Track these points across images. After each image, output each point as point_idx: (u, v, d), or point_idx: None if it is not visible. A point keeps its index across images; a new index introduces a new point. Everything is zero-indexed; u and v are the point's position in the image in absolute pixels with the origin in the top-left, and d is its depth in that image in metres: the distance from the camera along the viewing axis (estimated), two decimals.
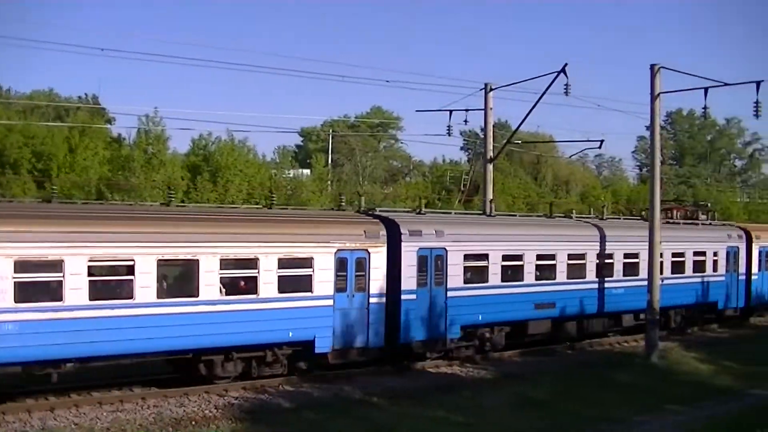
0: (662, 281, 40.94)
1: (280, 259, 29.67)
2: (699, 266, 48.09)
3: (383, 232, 32.64)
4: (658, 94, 38.98)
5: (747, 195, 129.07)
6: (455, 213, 43.63)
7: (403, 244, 33.01)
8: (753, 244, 52.36)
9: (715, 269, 49.20)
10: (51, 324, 24.72)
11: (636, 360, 38.70)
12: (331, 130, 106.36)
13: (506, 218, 42.40)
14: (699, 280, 47.93)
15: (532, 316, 38.25)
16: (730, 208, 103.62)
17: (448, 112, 47.29)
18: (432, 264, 34.07)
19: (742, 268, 51.48)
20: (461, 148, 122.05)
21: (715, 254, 49.33)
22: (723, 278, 49.87)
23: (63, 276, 24.92)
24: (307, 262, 30.41)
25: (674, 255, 46.07)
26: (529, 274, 38.17)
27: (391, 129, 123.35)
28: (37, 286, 24.89)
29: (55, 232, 25.09)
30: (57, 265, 24.88)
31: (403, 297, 32.98)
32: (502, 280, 36.84)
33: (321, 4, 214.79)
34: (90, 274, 25.45)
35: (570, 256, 39.99)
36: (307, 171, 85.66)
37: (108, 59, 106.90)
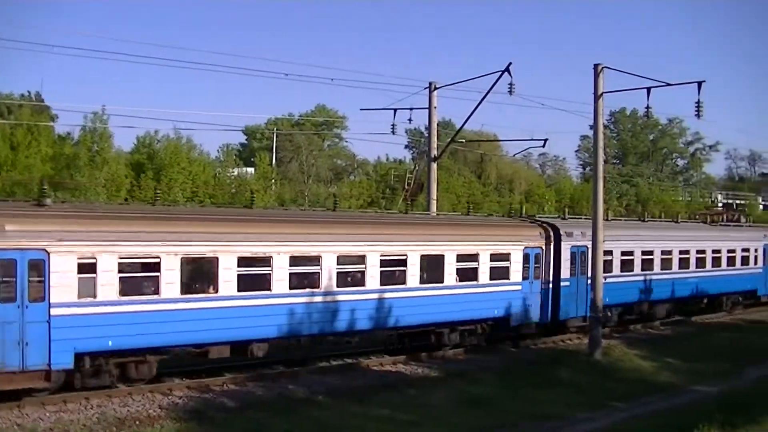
0: (717, 273, 55.16)
1: (491, 254, 38.88)
2: (745, 260, 59.19)
3: (551, 233, 42.18)
4: (601, 94, 39.20)
5: (689, 194, 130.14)
6: (585, 217, 51.49)
7: (562, 243, 42.41)
8: None
9: (755, 263, 60.65)
10: (356, 303, 33.37)
11: (579, 357, 38.95)
12: (275, 129, 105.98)
13: (622, 221, 55.62)
14: (745, 272, 59.06)
15: (637, 299, 48.27)
16: (673, 206, 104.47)
17: (393, 111, 47.57)
18: (579, 258, 43.29)
19: None
20: (405, 147, 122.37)
21: (756, 250, 60.64)
22: (761, 270, 61.35)
23: (365, 267, 33.83)
24: (506, 257, 39.70)
25: (728, 251, 57.08)
26: (637, 266, 48.00)
27: (336, 127, 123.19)
28: (348, 275, 33.53)
29: (360, 234, 34.11)
30: (362, 259, 33.74)
31: (562, 284, 42.49)
32: (621, 271, 46.58)
33: (264, 2, 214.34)
34: (382, 266, 34.36)
35: (662, 252, 50.21)
36: (251, 169, 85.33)
37: (51, 56, 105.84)
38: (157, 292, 27.84)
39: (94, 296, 26.44)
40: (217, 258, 29.09)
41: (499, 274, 39.21)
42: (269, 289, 30.54)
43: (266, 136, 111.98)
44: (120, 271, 26.97)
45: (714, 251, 55.41)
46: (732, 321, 55.17)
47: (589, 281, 41.78)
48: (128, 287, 27.26)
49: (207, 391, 28.84)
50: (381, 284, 33.97)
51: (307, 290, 31.72)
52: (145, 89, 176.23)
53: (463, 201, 77.72)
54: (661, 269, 49.87)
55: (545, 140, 48.28)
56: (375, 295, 33.81)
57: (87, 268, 26.24)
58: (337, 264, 32.57)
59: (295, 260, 31.20)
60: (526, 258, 40.45)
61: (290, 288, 31.09)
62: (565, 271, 42.54)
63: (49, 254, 25.45)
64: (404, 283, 35.01)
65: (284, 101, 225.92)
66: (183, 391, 28.51)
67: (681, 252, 51.86)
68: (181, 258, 28.17)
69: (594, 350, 39.02)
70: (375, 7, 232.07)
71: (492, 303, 38.90)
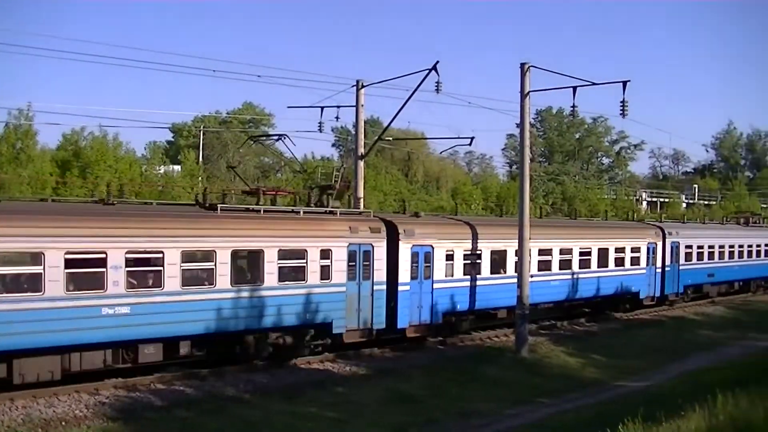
0: (750, 263, 70.90)
1: (631, 248, 53.67)
2: (764, 254, 73.94)
3: (660, 232, 57.57)
4: (528, 93, 39.41)
5: (614, 192, 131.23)
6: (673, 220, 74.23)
7: (666, 239, 57.80)
8: None
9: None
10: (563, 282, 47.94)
11: (506, 354, 39.19)
12: (202, 126, 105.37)
13: (693, 224, 71.54)
14: (760, 261, 73.31)
15: (706, 281, 64.03)
16: (598, 204, 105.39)
17: (320, 109, 47.53)
18: (674, 250, 58.70)
19: None
20: (333, 145, 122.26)
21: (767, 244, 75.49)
22: None
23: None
24: (638, 249, 54.64)
25: (749, 246, 71.19)
26: (705, 257, 63.19)
27: (263, 125, 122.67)
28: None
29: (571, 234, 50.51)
30: (570, 252, 48.49)
31: (666, 268, 57.91)
32: (695, 260, 61.78)
33: None
34: (561, 254, 47.97)
35: (719, 246, 65.49)
36: (178, 167, 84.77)
37: None
38: (479, 272, 41.81)
39: (452, 275, 40.33)
40: (506, 251, 43.20)
41: (634, 261, 53.88)
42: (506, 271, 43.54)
43: (193, 133, 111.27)
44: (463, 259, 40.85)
45: (748, 246, 70.88)
46: (655, 318, 55.82)
47: (680, 267, 59.42)
48: (467, 270, 40.94)
49: (134, 390, 28.56)
50: (559, 269, 47.50)
51: (546, 271, 46.55)
52: (72, 86, 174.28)
53: (390, 199, 77.83)
54: (718, 259, 65.32)
55: (472, 138, 48.31)
56: (559, 277, 47.46)
57: (449, 257, 40.16)
58: (562, 254, 47.66)
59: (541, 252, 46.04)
60: (648, 250, 55.43)
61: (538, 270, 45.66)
62: (667, 260, 57.75)
63: (433, 248, 39.32)
64: (570, 268, 48.34)
65: (211, 98, 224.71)
66: (110, 390, 28.18)
67: (730, 246, 67.44)
68: (491, 250, 42.53)
69: (521, 347, 39.24)
70: (302, 4, 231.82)
71: (631, 282, 53.92)
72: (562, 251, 47.54)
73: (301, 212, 35.02)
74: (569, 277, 48.03)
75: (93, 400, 26.84)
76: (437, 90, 42.61)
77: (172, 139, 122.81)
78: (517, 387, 33.17)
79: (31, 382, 26.69)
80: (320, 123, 48.66)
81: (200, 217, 31.38)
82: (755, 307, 66.17)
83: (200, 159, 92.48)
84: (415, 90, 43.54)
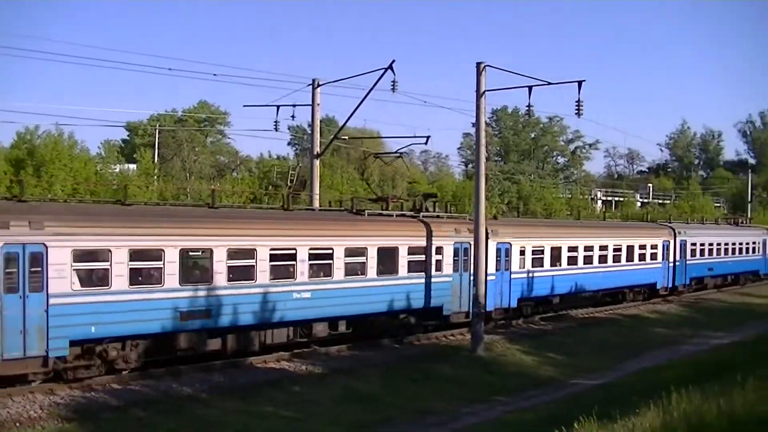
0: (739, 258, 79.64)
1: (651, 245, 62.17)
2: (753, 250, 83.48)
3: (672, 232, 65.56)
4: (484, 92, 39.41)
5: (569, 191, 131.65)
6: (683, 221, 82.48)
7: (676, 237, 65.84)
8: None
9: (756, 252, 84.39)
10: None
11: (462, 353, 39.21)
12: (157, 125, 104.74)
13: (699, 224, 78.97)
14: (751, 258, 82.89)
15: (707, 274, 72.39)
16: (554, 203, 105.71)
17: (276, 107, 47.42)
18: (683, 248, 66.59)
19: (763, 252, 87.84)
20: (288, 144, 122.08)
21: (755, 243, 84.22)
22: (761, 257, 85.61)
23: (593, 252, 54.94)
24: (656, 246, 62.93)
25: (740, 243, 79.70)
26: (706, 253, 71.26)
27: (218, 124, 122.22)
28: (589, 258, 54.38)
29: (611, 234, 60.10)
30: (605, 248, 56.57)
31: (676, 263, 65.59)
32: (699, 256, 69.57)
33: None
34: (605, 249, 56.39)
35: (717, 244, 73.80)
36: (133, 166, 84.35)
37: None
38: (542, 265, 48.98)
39: (524, 267, 47.39)
40: (561, 247, 50.84)
41: (653, 256, 62.39)
42: (561, 264, 51.32)
43: (149, 132, 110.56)
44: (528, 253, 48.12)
45: (739, 243, 79.57)
46: (610, 316, 56.05)
47: (688, 261, 67.41)
48: (534, 263, 48.30)
49: (89, 390, 28.30)
50: (599, 263, 55.07)
51: (589, 265, 54.22)
52: (26, 84, 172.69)
53: (346, 198, 77.75)
54: (716, 255, 73.82)
55: (428, 137, 48.43)
56: (599, 269, 55.19)
57: (521, 252, 47.08)
58: (600, 250, 55.42)
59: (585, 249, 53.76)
60: (663, 247, 63.72)
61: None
62: (677, 256, 65.84)
63: (511, 245, 46.38)
64: (606, 262, 56.15)
65: (167, 97, 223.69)
66: (65, 390, 27.91)
67: (725, 244, 75.86)
68: (551, 247, 49.87)
69: (477, 346, 39.22)
70: (257, 2, 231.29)
71: (651, 274, 62.65)
72: (600, 248, 55.49)
73: (421, 215, 42.68)
74: (606, 269, 56.24)
75: (48, 401, 26.56)
76: (393, 89, 42.68)
77: (128, 138, 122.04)
78: (473, 385, 33.25)
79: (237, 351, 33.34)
80: (276, 122, 48.58)
81: (355, 221, 39.14)
82: (707, 305, 66.46)
83: (155, 158, 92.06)
84: (371, 89, 43.65)
